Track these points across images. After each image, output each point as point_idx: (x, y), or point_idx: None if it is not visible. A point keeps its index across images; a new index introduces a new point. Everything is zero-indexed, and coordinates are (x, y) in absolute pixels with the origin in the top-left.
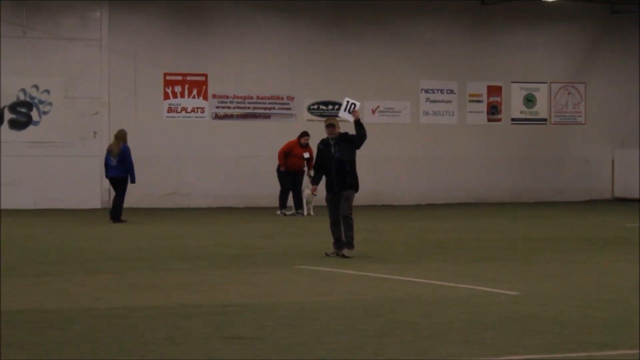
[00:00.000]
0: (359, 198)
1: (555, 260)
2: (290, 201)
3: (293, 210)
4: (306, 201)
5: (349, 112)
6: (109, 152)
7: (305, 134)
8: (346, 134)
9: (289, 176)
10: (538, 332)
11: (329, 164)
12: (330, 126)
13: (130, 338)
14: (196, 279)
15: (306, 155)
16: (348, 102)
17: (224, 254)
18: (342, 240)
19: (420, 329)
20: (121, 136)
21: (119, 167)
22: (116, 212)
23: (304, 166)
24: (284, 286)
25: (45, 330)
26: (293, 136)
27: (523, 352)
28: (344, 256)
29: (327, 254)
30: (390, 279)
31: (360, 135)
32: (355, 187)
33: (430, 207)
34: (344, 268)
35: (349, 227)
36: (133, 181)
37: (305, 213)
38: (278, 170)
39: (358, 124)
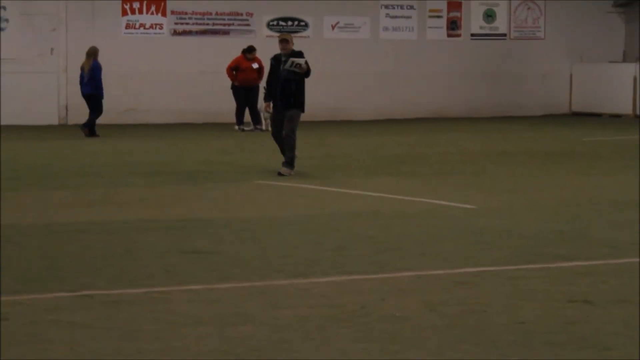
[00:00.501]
0: (318, 113)
1: (512, 174)
2: (248, 117)
3: (252, 126)
4: (263, 116)
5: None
6: (82, 69)
7: (250, 49)
8: (299, 52)
9: (243, 91)
10: (494, 244)
11: (276, 80)
12: (283, 41)
13: (88, 253)
14: (154, 195)
15: (254, 65)
16: (293, 62)
17: (182, 170)
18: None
19: (377, 242)
20: (91, 53)
21: (91, 84)
22: (89, 126)
23: (258, 79)
24: (243, 201)
25: (2, 246)
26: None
27: (479, 265)
28: (279, 174)
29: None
30: (348, 194)
31: (306, 74)
32: (299, 106)
33: (389, 122)
34: (302, 183)
35: (290, 147)
36: (100, 97)
37: (263, 128)
38: (232, 87)
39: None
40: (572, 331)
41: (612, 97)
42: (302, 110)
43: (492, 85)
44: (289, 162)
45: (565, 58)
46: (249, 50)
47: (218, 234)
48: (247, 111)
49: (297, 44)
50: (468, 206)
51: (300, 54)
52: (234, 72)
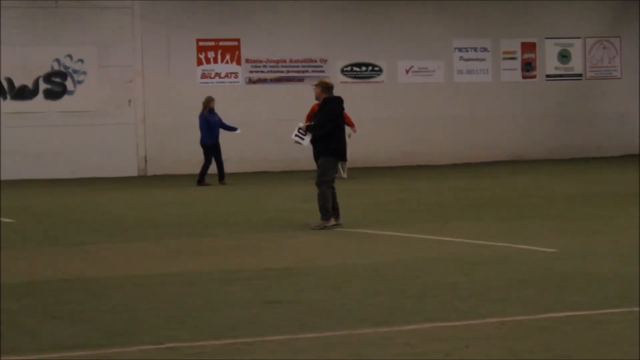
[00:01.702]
0: (395, 158)
1: (593, 217)
2: None
3: None
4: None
5: (300, 136)
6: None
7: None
8: (326, 99)
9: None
10: (577, 288)
11: None
12: (316, 86)
13: (170, 304)
14: (234, 244)
15: None
16: (298, 129)
17: (261, 219)
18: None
19: (459, 289)
20: (203, 103)
21: (202, 134)
22: (200, 175)
23: None
24: (322, 249)
25: (84, 299)
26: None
27: (563, 309)
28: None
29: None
30: (428, 240)
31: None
32: (328, 153)
33: (466, 166)
34: (382, 230)
35: (319, 196)
36: (204, 146)
37: (344, 175)
38: None
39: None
40: None
41: None
42: (332, 156)
43: (569, 126)
44: (321, 212)
45: None
46: None
47: (299, 283)
48: None
49: (372, 89)
50: (549, 250)
51: (327, 102)
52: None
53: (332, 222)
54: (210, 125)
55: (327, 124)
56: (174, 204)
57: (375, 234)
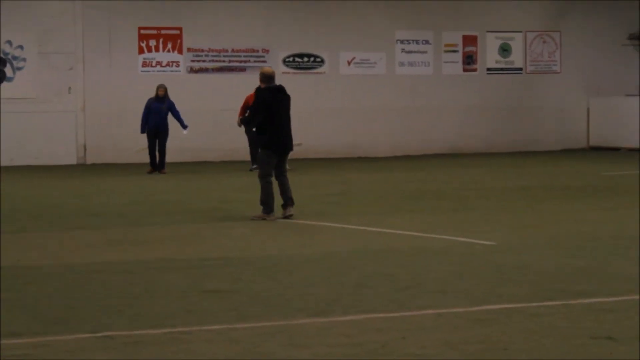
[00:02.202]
0: (335, 150)
1: (531, 210)
2: None
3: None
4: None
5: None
6: None
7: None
8: (259, 89)
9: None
10: (515, 281)
11: None
12: None
13: (108, 293)
14: (173, 234)
15: None
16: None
17: (201, 208)
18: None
19: (397, 280)
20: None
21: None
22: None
23: None
24: (261, 239)
25: (23, 286)
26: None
27: (500, 302)
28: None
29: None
30: (366, 231)
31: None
32: (262, 145)
33: (407, 158)
34: (321, 221)
35: (260, 190)
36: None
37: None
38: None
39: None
40: None
41: (630, 131)
42: (267, 149)
43: (508, 120)
44: (261, 205)
45: (581, 91)
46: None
47: (237, 272)
48: None
49: (314, 80)
50: (487, 242)
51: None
52: (245, 111)
53: (273, 216)
54: (150, 113)
55: (257, 115)
56: (113, 192)
57: (315, 225)
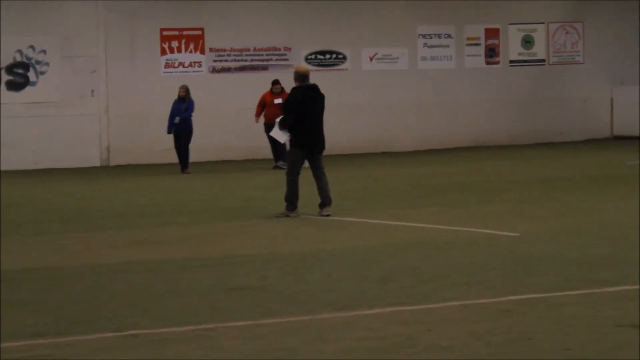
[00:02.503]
0: (359, 145)
1: (555, 200)
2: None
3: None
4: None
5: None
6: None
7: (274, 82)
8: (293, 88)
9: (268, 128)
10: (539, 271)
11: None
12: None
13: (133, 292)
14: (197, 232)
15: (276, 101)
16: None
17: (225, 207)
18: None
19: (421, 273)
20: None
21: None
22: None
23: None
24: (285, 236)
25: (47, 288)
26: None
27: (525, 292)
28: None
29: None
30: (390, 225)
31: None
32: (293, 144)
33: (430, 152)
34: (344, 216)
35: (286, 186)
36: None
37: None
38: (264, 124)
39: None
40: (620, 356)
41: None
42: (297, 148)
43: (532, 112)
44: (285, 202)
45: (605, 82)
46: (273, 84)
47: (261, 269)
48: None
49: (336, 77)
50: (512, 234)
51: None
52: (262, 109)
53: (296, 213)
54: (173, 113)
55: (288, 114)
56: (137, 193)
57: (338, 221)
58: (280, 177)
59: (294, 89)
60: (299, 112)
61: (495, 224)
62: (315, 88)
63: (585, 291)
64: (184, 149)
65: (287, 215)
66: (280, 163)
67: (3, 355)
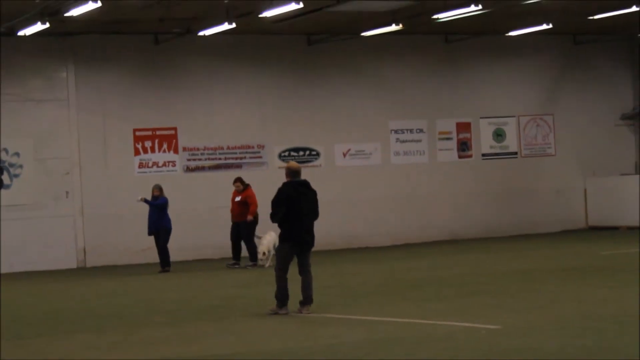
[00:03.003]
0: (334, 241)
1: (534, 292)
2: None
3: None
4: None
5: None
6: None
7: (236, 180)
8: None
9: (233, 226)
10: None
11: None
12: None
13: None
14: (176, 332)
15: (237, 199)
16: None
17: (203, 306)
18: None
19: None
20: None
21: None
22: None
23: (239, 216)
24: (266, 334)
25: None
26: (266, 184)
27: None
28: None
29: None
30: (370, 321)
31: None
32: (280, 239)
33: (406, 247)
34: (323, 313)
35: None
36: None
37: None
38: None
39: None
40: None
41: (628, 210)
42: (284, 243)
43: (506, 204)
44: (275, 298)
45: (577, 173)
46: (234, 182)
47: None
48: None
49: (310, 173)
50: (492, 326)
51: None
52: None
53: (285, 310)
54: (149, 214)
55: (276, 210)
56: (114, 294)
57: (317, 317)
58: (259, 274)
59: (284, 184)
60: (288, 207)
61: (475, 317)
62: (305, 184)
63: None
64: (162, 247)
65: (276, 312)
66: (232, 263)
67: None
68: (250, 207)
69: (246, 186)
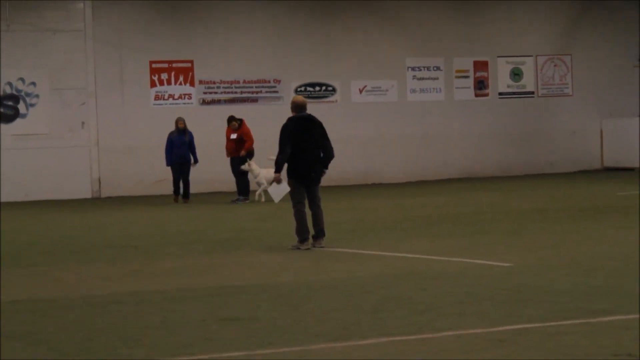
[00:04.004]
0: (349, 177)
1: (547, 231)
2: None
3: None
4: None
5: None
6: None
7: (230, 119)
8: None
9: (232, 161)
10: (532, 301)
11: None
12: None
13: (126, 324)
14: (190, 263)
15: (232, 136)
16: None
17: (217, 238)
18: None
19: (415, 304)
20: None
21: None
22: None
23: (234, 151)
24: (278, 267)
25: (40, 320)
26: (282, 119)
27: (519, 322)
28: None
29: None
30: (383, 256)
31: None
32: (287, 174)
33: (420, 184)
34: (336, 247)
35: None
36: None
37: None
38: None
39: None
40: None
41: None
42: (291, 178)
43: (522, 144)
44: (296, 234)
45: (594, 113)
46: (229, 121)
47: (255, 300)
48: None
49: (326, 109)
50: (504, 264)
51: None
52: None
53: (306, 245)
54: (173, 145)
55: (283, 146)
56: (128, 224)
57: (331, 251)
58: (272, 208)
59: (287, 120)
60: (292, 142)
61: (487, 254)
62: (309, 118)
63: (580, 321)
64: (187, 179)
65: (298, 248)
66: (241, 198)
67: None
68: (245, 144)
69: (240, 122)
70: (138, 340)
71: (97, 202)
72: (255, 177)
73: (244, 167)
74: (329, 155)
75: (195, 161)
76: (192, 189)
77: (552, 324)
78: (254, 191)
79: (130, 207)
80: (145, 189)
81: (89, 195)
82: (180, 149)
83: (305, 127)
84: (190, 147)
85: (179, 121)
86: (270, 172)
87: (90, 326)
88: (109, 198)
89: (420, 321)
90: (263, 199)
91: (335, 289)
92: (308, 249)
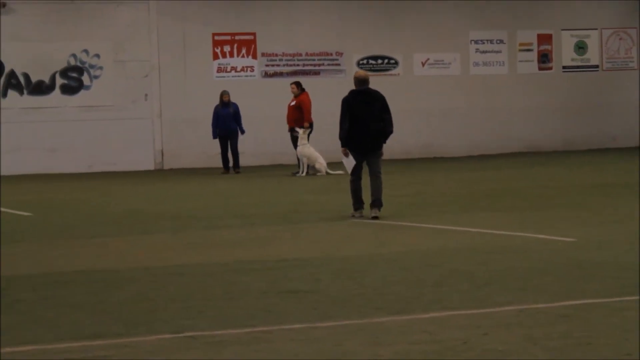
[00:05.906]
0: (411, 150)
1: (610, 206)
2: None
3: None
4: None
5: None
6: None
7: (292, 83)
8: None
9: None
10: (596, 277)
11: None
12: None
13: (189, 295)
14: (251, 236)
15: (292, 103)
16: None
17: (278, 211)
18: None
19: (476, 278)
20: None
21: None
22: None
23: (292, 121)
24: (339, 240)
25: (102, 290)
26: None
27: (582, 297)
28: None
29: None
30: (445, 230)
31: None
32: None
33: (483, 158)
34: (398, 221)
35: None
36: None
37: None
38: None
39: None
40: None
41: None
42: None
43: (585, 117)
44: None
45: None
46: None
47: (316, 273)
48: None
49: (388, 82)
50: (567, 239)
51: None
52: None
53: (359, 213)
54: (219, 118)
55: (342, 119)
56: (190, 196)
57: (393, 225)
58: (333, 181)
59: (348, 93)
60: (350, 115)
61: (550, 229)
62: (367, 92)
63: None
64: (235, 149)
65: (353, 216)
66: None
67: (63, 355)
68: (304, 115)
69: (302, 90)
70: (201, 312)
71: (159, 173)
72: (297, 147)
73: (297, 131)
74: (387, 129)
75: (242, 132)
76: (254, 162)
77: (617, 299)
78: (313, 166)
79: (192, 178)
80: (207, 160)
81: (151, 167)
82: (225, 121)
83: (362, 100)
84: (236, 118)
85: (224, 94)
86: (311, 151)
87: (154, 297)
88: (171, 170)
89: (481, 295)
90: (304, 173)
91: (396, 262)
92: (360, 216)
